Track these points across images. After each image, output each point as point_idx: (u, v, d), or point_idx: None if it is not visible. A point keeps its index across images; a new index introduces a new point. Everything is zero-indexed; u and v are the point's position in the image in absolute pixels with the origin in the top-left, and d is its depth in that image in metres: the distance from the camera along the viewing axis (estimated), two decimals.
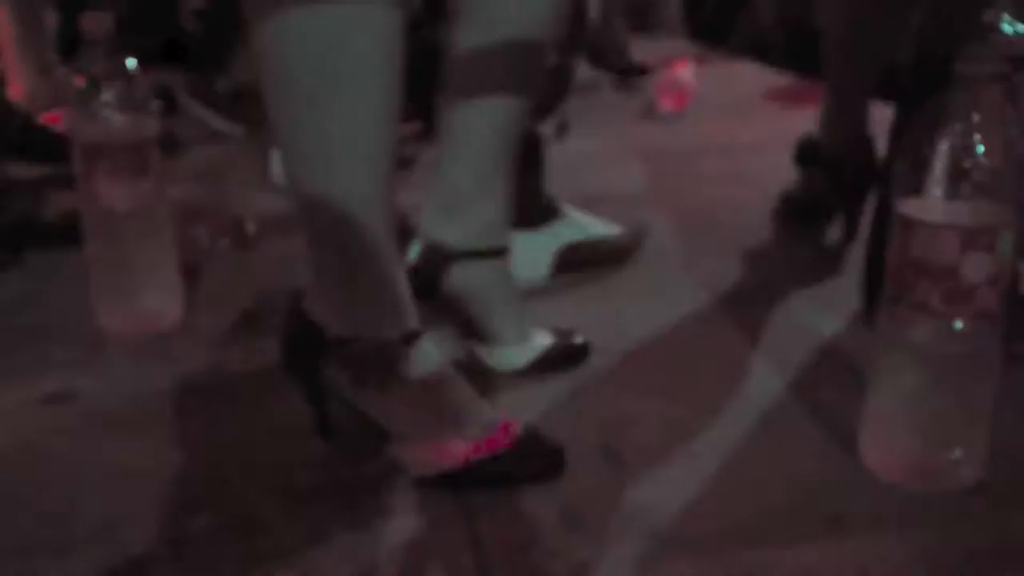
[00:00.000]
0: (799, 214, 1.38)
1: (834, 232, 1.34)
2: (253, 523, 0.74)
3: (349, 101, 0.69)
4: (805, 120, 1.43)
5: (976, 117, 0.71)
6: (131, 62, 1.01)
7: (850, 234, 1.31)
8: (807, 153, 1.36)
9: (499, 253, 0.95)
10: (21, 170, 1.57)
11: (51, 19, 2.06)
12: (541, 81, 0.93)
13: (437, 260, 0.92)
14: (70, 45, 2.01)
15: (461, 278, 0.93)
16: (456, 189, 0.92)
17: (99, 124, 1.01)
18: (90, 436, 0.87)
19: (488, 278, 0.95)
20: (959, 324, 0.72)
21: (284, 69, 0.69)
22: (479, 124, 0.90)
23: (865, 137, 1.28)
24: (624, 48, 2.46)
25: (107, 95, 1.00)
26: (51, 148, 1.54)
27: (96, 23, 0.99)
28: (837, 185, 1.31)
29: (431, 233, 0.93)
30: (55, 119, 1.70)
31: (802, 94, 2.34)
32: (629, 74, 2.42)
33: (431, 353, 0.79)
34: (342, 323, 0.76)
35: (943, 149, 0.71)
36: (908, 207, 0.73)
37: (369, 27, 0.67)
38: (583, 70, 2.44)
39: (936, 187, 0.72)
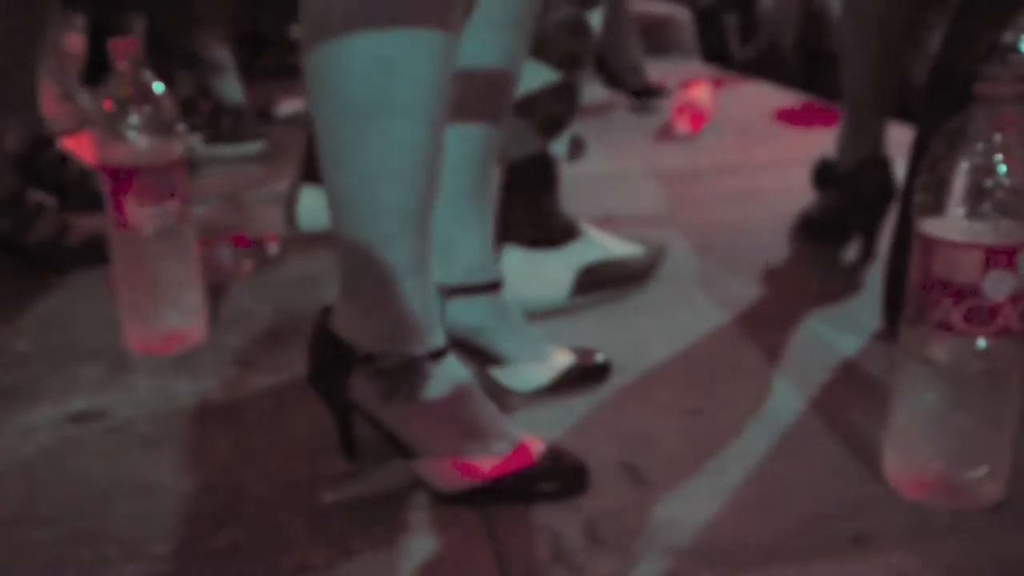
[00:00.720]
0: (817, 234, 1.39)
1: (852, 252, 1.34)
2: (279, 539, 0.75)
3: (394, 119, 0.70)
4: (820, 139, 1.44)
5: (997, 137, 0.71)
6: (158, 85, 1.03)
7: (868, 254, 1.31)
8: (824, 174, 1.36)
9: (493, 287, 0.95)
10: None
11: (78, 44, 2.10)
12: (508, 112, 0.92)
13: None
14: (97, 69, 2.05)
15: (460, 314, 0.94)
16: (435, 234, 0.91)
17: (126, 147, 1.02)
18: (118, 453, 0.88)
19: (487, 311, 0.95)
20: (981, 342, 0.73)
21: (336, 88, 0.70)
22: (449, 162, 0.89)
23: (882, 158, 1.29)
24: (640, 69, 2.47)
25: (134, 118, 1.02)
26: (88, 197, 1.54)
27: (123, 47, 1.01)
28: (854, 206, 1.31)
29: None
30: (76, 144, 1.73)
31: (813, 114, 2.35)
32: (646, 96, 2.43)
33: (456, 370, 0.80)
34: (370, 339, 0.77)
35: (964, 168, 0.72)
36: (929, 226, 0.74)
37: (425, 51, 0.69)
38: (598, 90, 2.46)
39: (957, 206, 0.72)
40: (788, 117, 2.34)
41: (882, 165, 1.28)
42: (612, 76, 2.49)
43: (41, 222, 1.31)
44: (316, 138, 0.73)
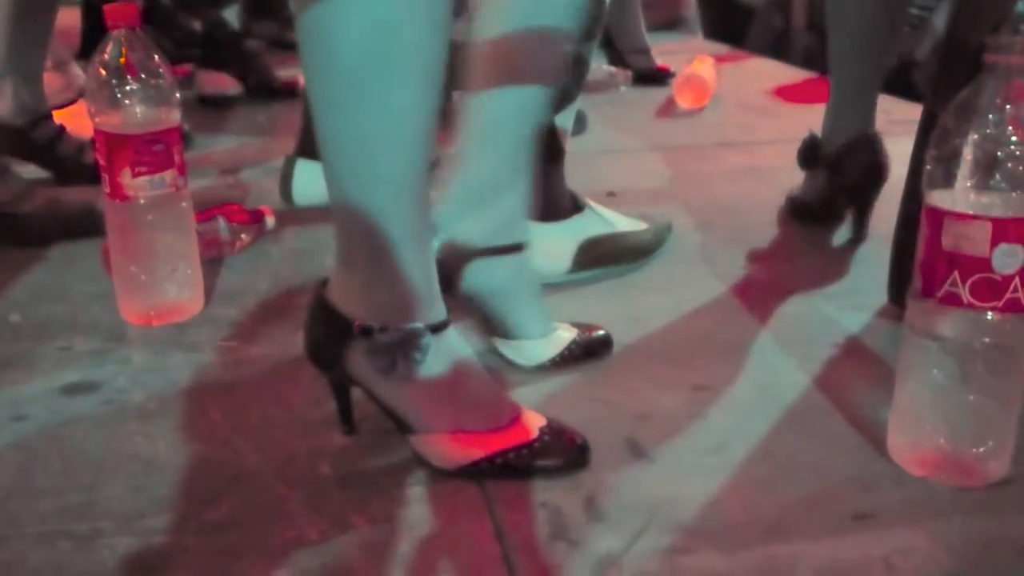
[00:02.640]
0: (806, 216, 1.37)
1: (842, 234, 1.32)
2: (276, 513, 0.74)
3: (392, 86, 0.68)
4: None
5: (1008, 108, 0.70)
6: (154, 54, 1.01)
7: (859, 235, 1.29)
8: (809, 154, 1.34)
9: (519, 248, 0.94)
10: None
11: (74, 16, 2.07)
12: (561, 71, 0.92)
13: (455, 257, 0.92)
14: (95, 38, 2.02)
15: (481, 275, 0.93)
16: (480, 183, 0.91)
17: (121, 115, 1.01)
18: (112, 426, 0.87)
19: (509, 274, 0.94)
20: (989, 316, 0.72)
21: (329, 52, 0.68)
22: (502, 115, 0.90)
23: (870, 136, 1.27)
24: (648, 51, 2.44)
25: (129, 85, 1.00)
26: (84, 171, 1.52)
27: (120, 13, 0.99)
28: (843, 186, 1.29)
29: (450, 230, 0.92)
30: (72, 117, 1.70)
31: (815, 90, 2.33)
32: (651, 80, 2.40)
33: (456, 344, 0.78)
34: (368, 312, 0.76)
35: (974, 140, 0.70)
36: (938, 199, 0.73)
37: (418, 13, 0.67)
38: (600, 66, 2.43)
39: (967, 178, 0.71)
40: (788, 94, 2.31)
41: (870, 144, 1.26)
42: (619, 55, 2.46)
43: (29, 196, 1.30)
44: (310, 105, 0.72)
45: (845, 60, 1.28)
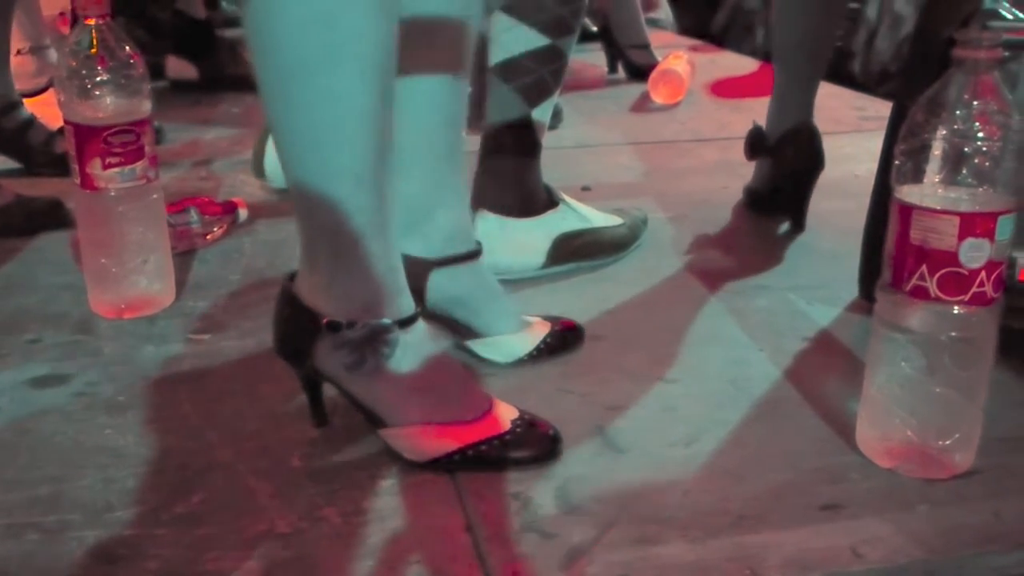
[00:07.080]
0: (756, 204, 1.39)
1: (784, 224, 1.34)
2: (247, 506, 0.74)
3: (342, 78, 0.67)
4: None
5: (976, 103, 0.70)
6: (127, 44, 1.01)
7: (798, 223, 1.32)
8: (754, 143, 1.35)
9: (472, 256, 0.94)
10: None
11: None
12: (469, 60, 0.90)
13: (416, 271, 0.90)
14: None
15: (441, 286, 0.92)
16: (410, 203, 0.89)
17: (92, 105, 1.00)
18: (82, 419, 0.86)
19: (467, 281, 0.94)
20: (956, 310, 0.72)
21: (273, 42, 0.67)
22: (418, 125, 0.88)
23: (807, 127, 1.28)
24: (648, 47, 2.43)
25: (100, 75, 0.99)
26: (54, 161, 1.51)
27: (90, 1, 0.98)
28: (783, 173, 1.31)
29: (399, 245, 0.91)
30: (43, 106, 1.68)
31: (746, 84, 2.35)
32: (639, 77, 2.40)
33: (426, 337, 0.78)
34: (334, 307, 0.75)
35: (942, 135, 0.71)
36: (907, 193, 0.73)
37: (363, 2, 0.66)
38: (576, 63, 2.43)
39: (935, 173, 0.72)
40: (720, 89, 2.32)
41: (807, 133, 1.28)
42: (619, 51, 2.44)
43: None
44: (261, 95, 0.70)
45: (788, 52, 1.30)
